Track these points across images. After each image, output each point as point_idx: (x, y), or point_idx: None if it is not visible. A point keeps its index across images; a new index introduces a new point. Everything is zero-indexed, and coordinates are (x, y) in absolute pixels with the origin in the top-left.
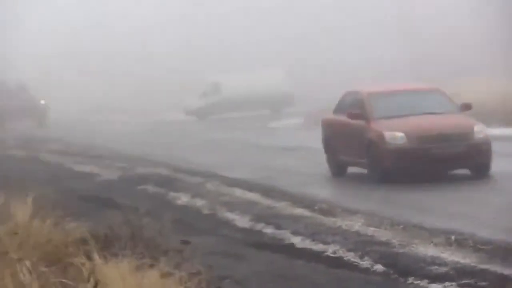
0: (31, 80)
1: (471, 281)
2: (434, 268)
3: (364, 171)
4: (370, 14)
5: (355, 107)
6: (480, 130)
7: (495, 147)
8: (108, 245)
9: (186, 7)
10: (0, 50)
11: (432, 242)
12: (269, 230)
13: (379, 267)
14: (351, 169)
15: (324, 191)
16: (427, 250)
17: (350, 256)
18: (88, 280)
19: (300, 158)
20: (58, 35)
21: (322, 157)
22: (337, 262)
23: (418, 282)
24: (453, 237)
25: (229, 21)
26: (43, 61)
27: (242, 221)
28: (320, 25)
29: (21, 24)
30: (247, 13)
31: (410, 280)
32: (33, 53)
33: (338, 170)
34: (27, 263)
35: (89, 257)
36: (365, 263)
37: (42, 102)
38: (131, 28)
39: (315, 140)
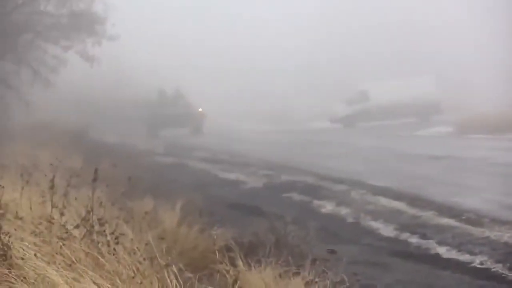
0: (190, 88)
1: None
2: None
3: None
4: None
5: None
6: None
7: None
8: (252, 252)
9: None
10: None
11: None
12: (414, 239)
13: None
14: None
15: (471, 201)
16: None
17: (498, 268)
18: (233, 287)
19: (447, 167)
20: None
21: (471, 166)
22: (484, 274)
23: None
24: None
25: (378, 32)
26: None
27: (386, 230)
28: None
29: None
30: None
31: None
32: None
33: None
34: (174, 268)
35: (234, 264)
36: None
37: (200, 110)
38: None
39: (464, 149)
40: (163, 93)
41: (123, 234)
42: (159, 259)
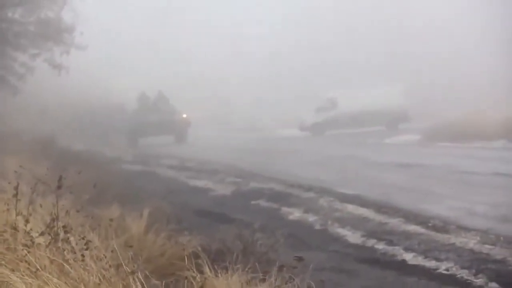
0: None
1: None
2: None
3: None
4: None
5: None
6: None
7: None
8: (219, 259)
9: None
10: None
11: None
12: (381, 246)
13: (493, 285)
14: None
15: (437, 208)
16: None
17: (464, 274)
18: None
19: (415, 175)
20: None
21: (437, 174)
22: (450, 280)
23: None
24: None
25: (343, 38)
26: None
27: (353, 236)
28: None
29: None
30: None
31: None
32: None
33: None
34: (140, 275)
35: (201, 271)
36: (479, 281)
37: (184, 116)
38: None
39: (431, 156)
40: (145, 98)
41: (90, 241)
42: (125, 266)
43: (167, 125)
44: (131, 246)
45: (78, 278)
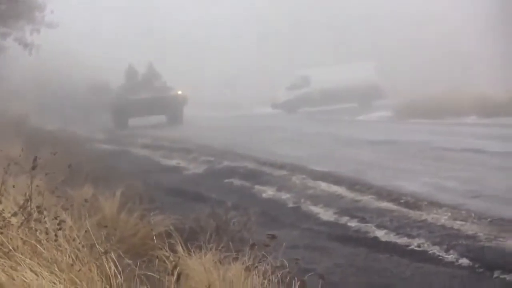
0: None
1: None
2: None
3: None
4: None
5: None
6: None
7: None
8: (193, 238)
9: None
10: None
11: None
12: (353, 223)
13: (464, 261)
14: None
15: (409, 184)
16: None
17: (435, 250)
18: (172, 273)
19: (387, 151)
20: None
21: (410, 150)
22: (422, 256)
23: (505, 276)
24: None
25: (316, 15)
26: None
27: (326, 214)
28: (411, 18)
29: None
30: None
31: (496, 274)
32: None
33: None
34: (113, 255)
35: (174, 250)
36: (450, 257)
37: (180, 92)
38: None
39: (404, 133)
40: (132, 72)
41: (63, 221)
42: (98, 246)
43: (160, 104)
44: (105, 226)
45: (51, 259)
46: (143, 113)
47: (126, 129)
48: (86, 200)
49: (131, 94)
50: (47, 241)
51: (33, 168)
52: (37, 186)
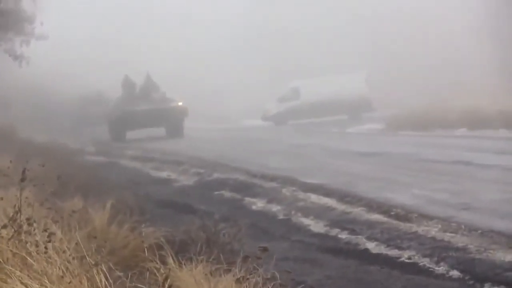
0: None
1: None
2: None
3: None
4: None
5: None
6: None
7: None
8: (183, 250)
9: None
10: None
11: (510, 247)
12: (344, 235)
13: (455, 273)
14: None
15: (400, 196)
16: (505, 256)
17: (426, 262)
18: (163, 285)
19: (378, 163)
20: None
21: (400, 162)
22: (412, 268)
23: None
24: None
25: (306, 26)
26: None
27: (317, 226)
28: (400, 30)
29: None
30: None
31: (487, 286)
32: None
33: None
34: (104, 267)
35: (164, 262)
36: (441, 268)
37: (180, 104)
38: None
39: (394, 145)
40: (129, 83)
41: (53, 234)
42: (88, 258)
43: (159, 116)
44: (95, 237)
45: (41, 271)
46: (141, 125)
47: (124, 142)
48: (75, 212)
49: (129, 106)
50: (37, 253)
51: (22, 180)
52: (27, 198)
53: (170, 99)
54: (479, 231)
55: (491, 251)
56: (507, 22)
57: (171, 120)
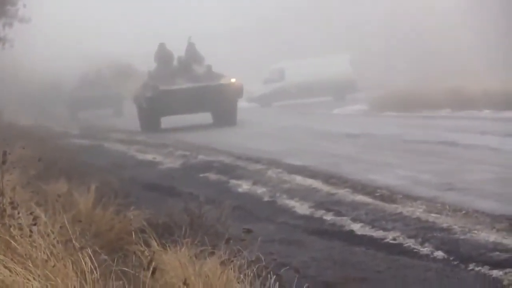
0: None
1: None
2: (496, 254)
3: None
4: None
5: None
6: None
7: None
8: (168, 232)
9: None
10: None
11: (494, 227)
12: (329, 217)
13: (439, 254)
14: None
15: (385, 178)
16: (489, 236)
17: (410, 243)
18: (148, 268)
19: (363, 145)
20: None
21: (385, 143)
22: (397, 249)
23: (479, 268)
24: None
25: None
26: None
27: (302, 208)
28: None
29: None
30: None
31: (471, 266)
32: None
33: None
34: (89, 250)
35: (149, 245)
36: (426, 249)
37: (233, 80)
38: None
39: (379, 126)
40: (166, 56)
41: (38, 217)
42: (73, 242)
43: (205, 96)
44: (80, 221)
45: (25, 255)
46: (181, 110)
47: (158, 131)
48: (60, 196)
49: (165, 84)
50: (21, 237)
51: (3, 162)
52: (8, 181)
53: (218, 74)
54: (463, 212)
55: (475, 232)
56: (491, 2)
57: (221, 103)
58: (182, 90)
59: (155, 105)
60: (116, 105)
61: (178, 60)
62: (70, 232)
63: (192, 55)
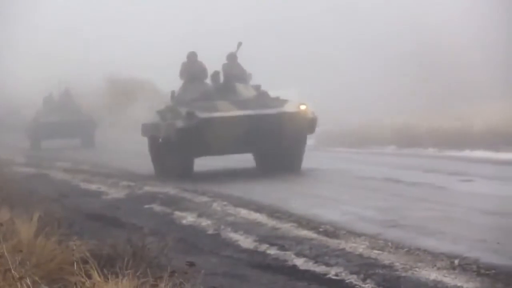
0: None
1: None
2: None
3: None
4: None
5: None
6: None
7: None
8: (110, 263)
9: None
10: None
11: (435, 265)
12: (272, 251)
13: None
14: None
15: (329, 213)
16: (430, 274)
17: (353, 279)
18: None
19: (310, 179)
20: None
21: (332, 179)
22: (339, 285)
23: None
24: (456, 261)
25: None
26: None
27: (246, 241)
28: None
29: None
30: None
31: None
32: None
33: None
34: (28, 281)
35: (90, 276)
36: (367, 286)
37: (303, 107)
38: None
39: (326, 161)
40: (198, 71)
41: None
42: (12, 272)
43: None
44: (20, 251)
45: None
46: (227, 148)
47: (189, 176)
48: (1, 224)
49: (204, 111)
50: None
51: None
52: None
53: (277, 98)
54: (406, 249)
55: (417, 269)
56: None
57: (283, 140)
58: (231, 119)
59: (191, 140)
60: (87, 133)
61: (213, 77)
62: (9, 261)
63: (234, 71)
